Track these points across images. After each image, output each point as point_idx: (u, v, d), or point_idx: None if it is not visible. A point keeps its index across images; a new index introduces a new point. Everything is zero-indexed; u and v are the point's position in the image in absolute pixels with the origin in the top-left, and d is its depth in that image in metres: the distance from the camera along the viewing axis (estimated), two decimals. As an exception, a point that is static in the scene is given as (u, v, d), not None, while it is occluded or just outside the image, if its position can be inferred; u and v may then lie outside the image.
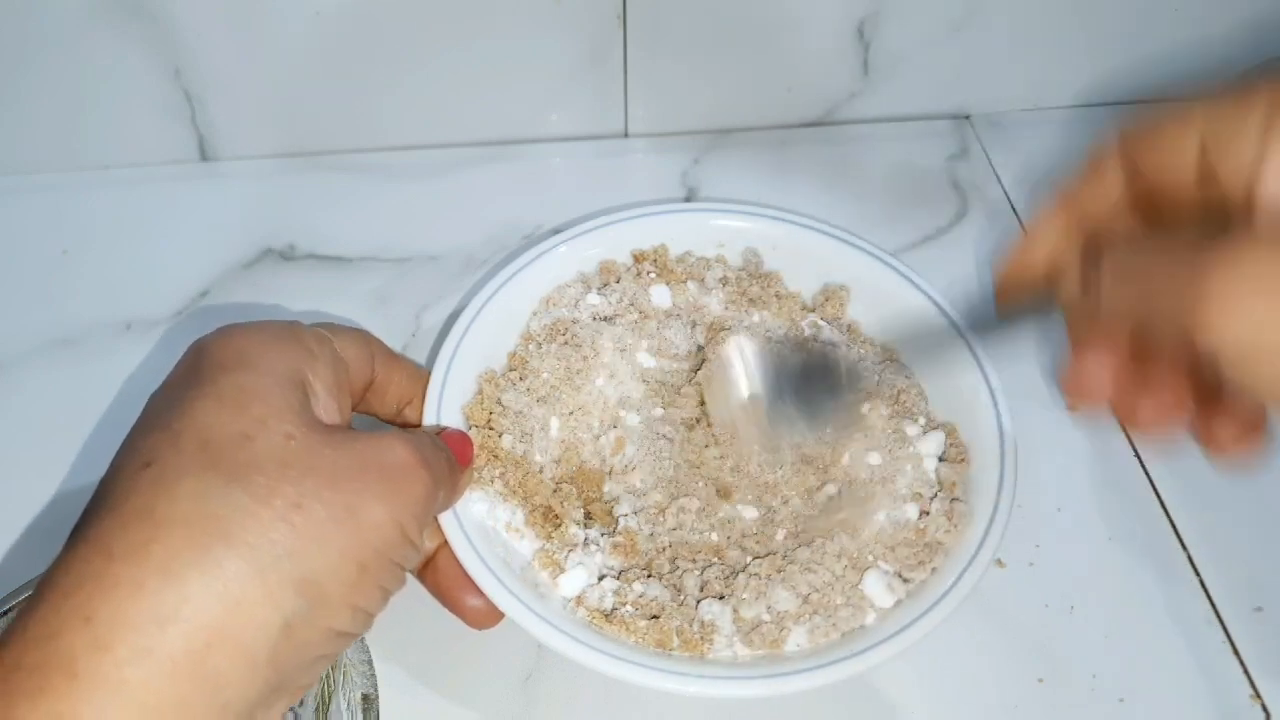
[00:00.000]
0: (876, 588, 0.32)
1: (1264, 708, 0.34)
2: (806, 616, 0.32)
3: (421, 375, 0.35)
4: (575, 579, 0.33)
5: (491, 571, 0.31)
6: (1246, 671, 0.35)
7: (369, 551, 0.26)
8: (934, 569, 0.33)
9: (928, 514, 0.34)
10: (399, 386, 0.34)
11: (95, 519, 0.24)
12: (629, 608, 0.32)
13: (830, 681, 0.30)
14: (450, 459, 0.31)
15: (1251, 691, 0.35)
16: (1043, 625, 0.36)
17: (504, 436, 0.35)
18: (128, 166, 0.51)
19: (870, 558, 0.33)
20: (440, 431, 0.33)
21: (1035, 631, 0.36)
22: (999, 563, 0.37)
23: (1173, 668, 0.35)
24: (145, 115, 0.49)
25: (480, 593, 0.31)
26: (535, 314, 0.40)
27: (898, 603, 0.32)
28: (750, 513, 0.35)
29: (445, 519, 0.32)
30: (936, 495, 0.34)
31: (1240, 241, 0.21)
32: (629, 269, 0.41)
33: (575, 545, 0.33)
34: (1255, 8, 0.52)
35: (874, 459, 0.36)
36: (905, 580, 0.33)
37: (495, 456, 0.35)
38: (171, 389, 0.27)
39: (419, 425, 0.35)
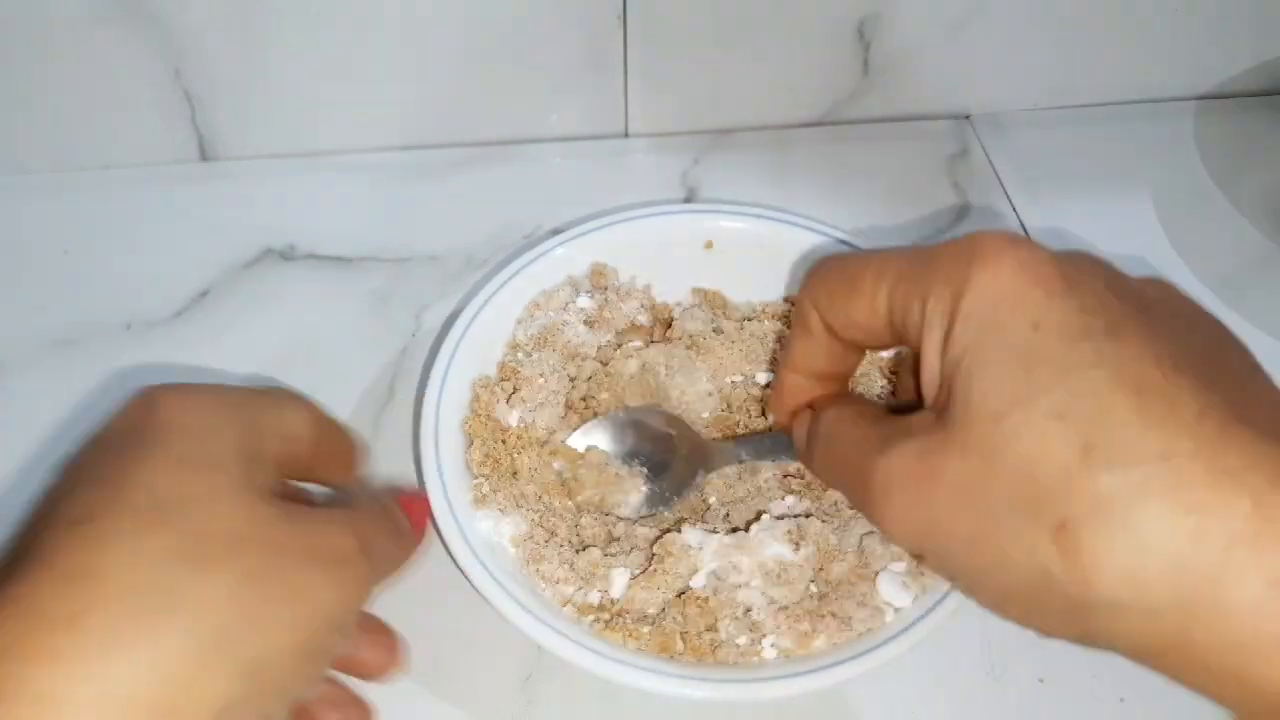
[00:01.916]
0: (891, 587, 0.32)
1: (1264, 708, 0.34)
2: (825, 621, 0.32)
3: (359, 444, 0.33)
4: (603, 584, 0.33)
5: (502, 586, 0.31)
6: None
7: (307, 635, 0.24)
8: None
9: None
10: (345, 454, 0.32)
11: (23, 576, 0.22)
12: (640, 614, 0.32)
13: (835, 683, 0.30)
14: (397, 530, 0.29)
15: (1251, 691, 0.35)
16: (1043, 625, 0.36)
17: (504, 444, 0.35)
18: (128, 166, 0.51)
19: (882, 562, 0.33)
20: (399, 495, 0.31)
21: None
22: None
23: (1173, 668, 0.35)
24: (145, 115, 0.49)
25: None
26: (520, 321, 0.39)
27: (915, 599, 0.32)
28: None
29: (452, 538, 0.32)
30: None
31: (895, 443, 0.24)
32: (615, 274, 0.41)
33: (593, 557, 0.33)
34: (1255, 6, 0.52)
35: None
36: (921, 574, 0.32)
37: (497, 463, 0.35)
38: (112, 442, 0.26)
39: (358, 491, 0.33)
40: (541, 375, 0.37)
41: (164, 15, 0.45)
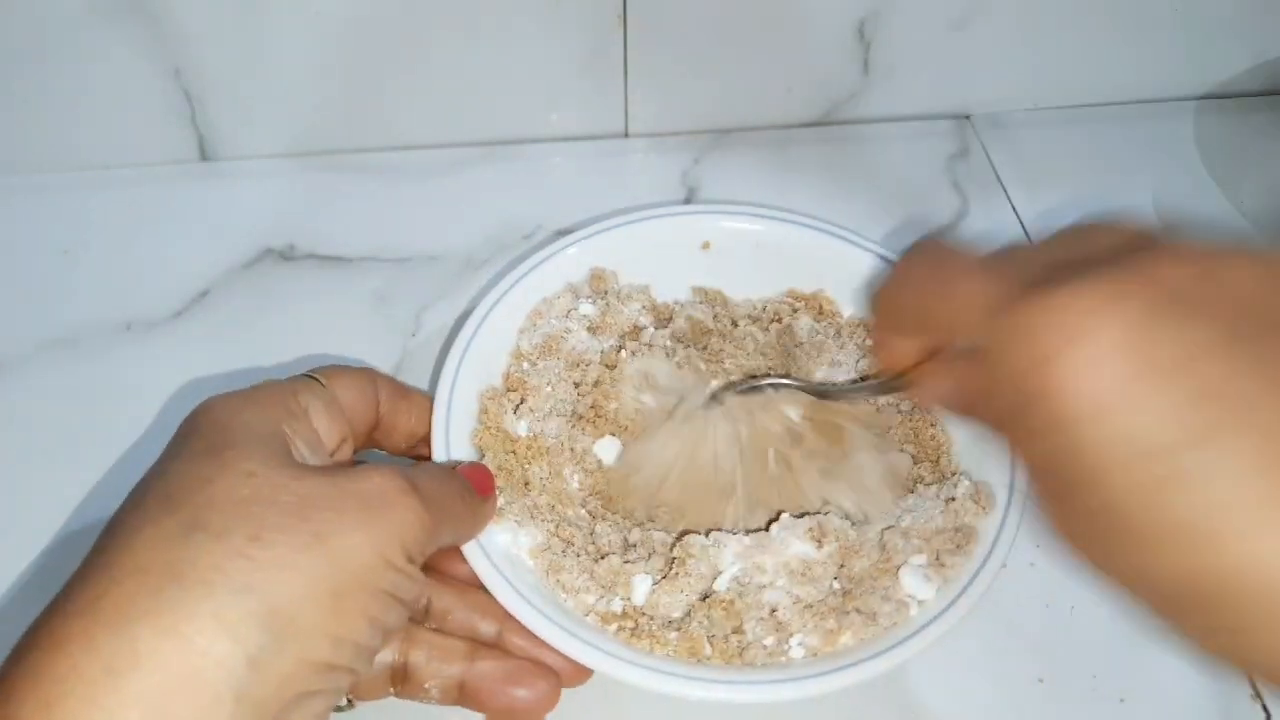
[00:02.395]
0: (914, 580, 0.32)
1: (1264, 708, 0.34)
2: (850, 617, 0.32)
3: (430, 406, 0.35)
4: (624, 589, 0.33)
5: (527, 600, 0.30)
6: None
7: (343, 577, 0.25)
8: (968, 553, 0.33)
9: (954, 500, 0.34)
10: (407, 424, 0.34)
11: (63, 588, 0.24)
12: (665, 619, 0.32)
13: (867, 678, 0.30)
14: (465, 489, 0.31)
15: (1252, 691, 0.35)
16: (1043, 625, 0.36)
17: (515, 454, 0.35)
18: (128, 166, 0.51)
19: (903, 556, 0.33)
20: (456, 466, 0.33)
21: (1035, 631, 0.36)
22: (999, 563, 0.37)
23: (1173, 668, 0.35)
24: (145, 115, 0.49)
25: (556, 651, 0.30)
26: (523, 330, 0.39)
27: (938, 591, 0.32)
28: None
29: (473, 556, 0.31)
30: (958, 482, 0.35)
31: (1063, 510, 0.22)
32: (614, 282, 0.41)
33: (620, 560, 0.33)
34: (1255, 6, 0.52)
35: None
36: (942, 565, 0.32)
37: (510, 474, 0.35)
38: (155, 463, 0.28)
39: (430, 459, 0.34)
40: (549, 384, 0.37)
41: (163, 14, 0.45)
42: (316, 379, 0.31)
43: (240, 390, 0.29)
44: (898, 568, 0.32)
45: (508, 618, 0.31)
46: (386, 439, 0.34)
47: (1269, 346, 0.19)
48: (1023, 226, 0.50)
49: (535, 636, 0.30)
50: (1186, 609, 0.20)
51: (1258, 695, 0.35)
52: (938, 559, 0.32)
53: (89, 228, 0.49)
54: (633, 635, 0.31)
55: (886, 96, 0.53)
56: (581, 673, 0.31)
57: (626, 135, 0.54)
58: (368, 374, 0.33)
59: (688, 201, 0.50)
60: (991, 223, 0.50)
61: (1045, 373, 0.20)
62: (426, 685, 0.31)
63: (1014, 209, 0.51)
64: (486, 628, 0.32)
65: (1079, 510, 0.22)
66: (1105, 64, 0.54)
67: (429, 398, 0.35)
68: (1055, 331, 0.20)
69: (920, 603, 0.32)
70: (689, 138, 0.54)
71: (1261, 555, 0.18)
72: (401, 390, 0.34)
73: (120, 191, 0.50)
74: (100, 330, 0.45)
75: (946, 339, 0.25)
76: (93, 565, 0.24)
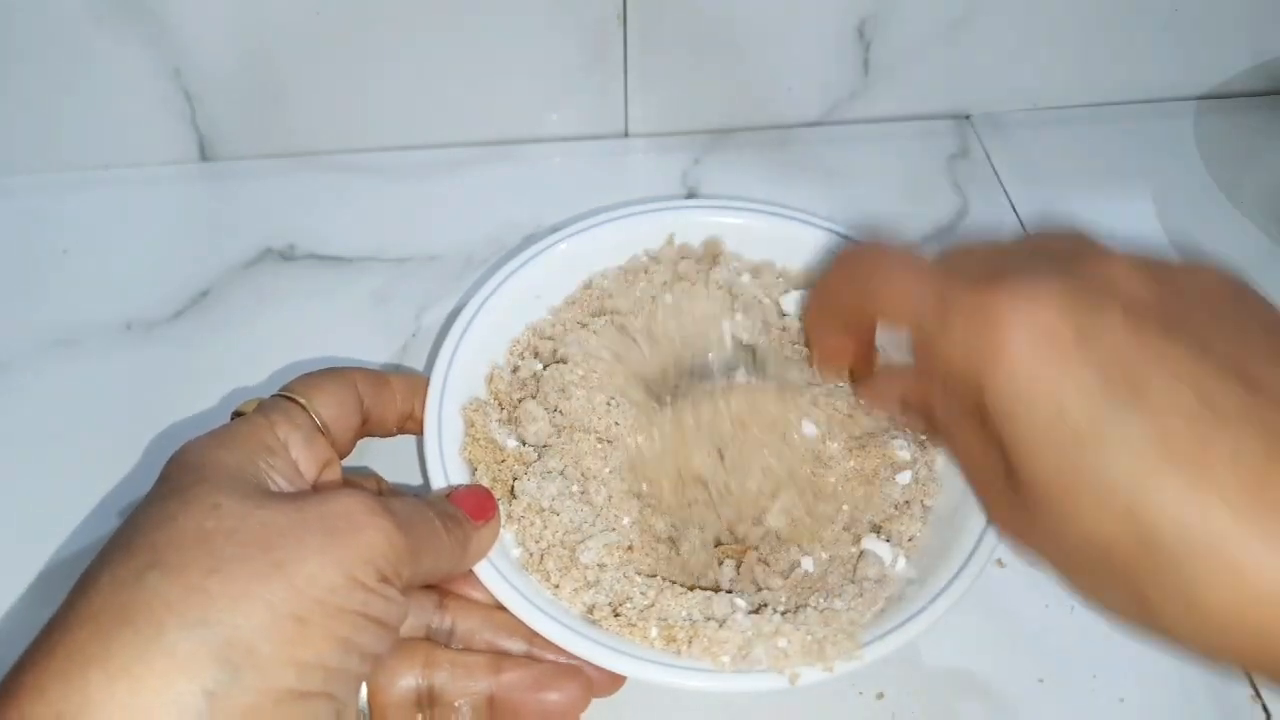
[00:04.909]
0: (879, 548, 0.33)
1: (1264, 708, 0.34)
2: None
3: (413, 383, 0.35)
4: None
5: (551, 615, 0.30)
6: (1247, 671, 0.35)
7: (306, 601, 0.24)
8: (925, 523, 0.34)
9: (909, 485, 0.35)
10: (394, 408, 0.34)
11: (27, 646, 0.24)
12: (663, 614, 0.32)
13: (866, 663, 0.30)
14: (447, 516, 0.30)
15: (1251, 692, 0.35)
16: (1043, 625, 0.36)
17: (503, 464, 0.35)
18: (128, 166, 0.51)
19: (861, 529, 0.34)
20: (451, 492, 0.32)
21: (1035, 631, 0.36)
22: (999, 562, 0.37)
23: (1173, 668, 0.35)
24: (145, 115, 0.49)
25: (588, 663, 0.30)
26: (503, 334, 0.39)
27: (896, 559, 0.33)
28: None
29: (487, 576, 0.31)
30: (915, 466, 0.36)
31: (991, 493, 0.26)
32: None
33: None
34: (1255, 6, 0.52)
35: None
36: (905, 538, 0.34)
37: (506, 487, 0.34)
38: (130, 512, 0.27)
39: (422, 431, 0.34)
40: (536, 380, 0.37)
41: (163, 14, 0.45)
42: (296, 400, 0.31)
43: (215, 430, 0.29)
44: (859, 539, 0.34)
45: (535, 635, 0.30)
46: (379, 428, 0.34)
47: (1174, 343, 0.22)
48: (1023, 226, 0.50)
49: (565, 650, 0.30)
50: (1103, 578, 0.23)
51: (1258, 695, 0.35)
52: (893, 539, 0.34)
53: (89, 228, 0.49)
54: (631, 627, 0.31)
55: (886, 96, 0.53)
56: (615, 681, 0.31)
57: (626, 135, 0.54)
58: (346, 379, 0.32)
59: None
60: (991, 222, 0.50)
61: (993, 351, 0.23)
62: (457, 704, 0.30)
63: (1014, 209, 0.51)
64: (514, 646, 0.31)
65: (1008, 487, 0.25)
66: (1105, 64, 0.54)
67: (409, 376, 0.35)
68: (1005, 315, 0.23)
69: (889, 568, 0.33)
70: (689, 138, 0.54)
71: (1169, 514, 0.21)
72: (381, 380, 0.34)
73: (120, 191, 0.50)
74: (100, 330, 0.45)
75: (884, 323, 0.28)
76: (53, 618, 0.24)
